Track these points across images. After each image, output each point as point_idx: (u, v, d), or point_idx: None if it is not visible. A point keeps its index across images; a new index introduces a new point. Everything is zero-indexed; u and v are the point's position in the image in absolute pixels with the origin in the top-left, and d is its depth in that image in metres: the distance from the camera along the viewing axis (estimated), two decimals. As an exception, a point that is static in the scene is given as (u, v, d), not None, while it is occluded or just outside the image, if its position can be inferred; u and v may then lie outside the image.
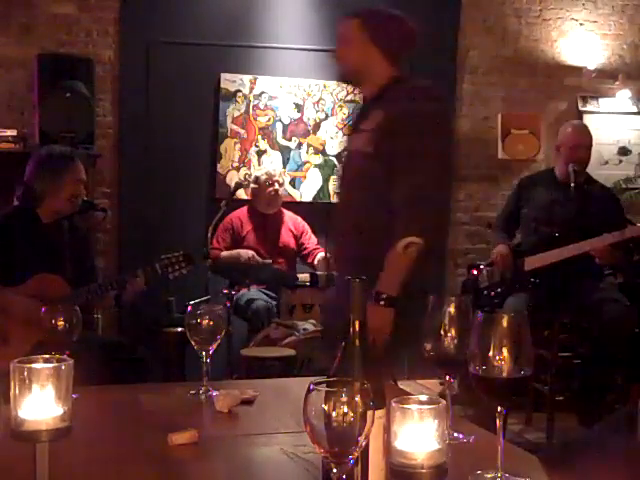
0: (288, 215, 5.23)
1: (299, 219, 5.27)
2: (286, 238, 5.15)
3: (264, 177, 5.11)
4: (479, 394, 1.30)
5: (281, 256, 5.08)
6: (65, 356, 1.25)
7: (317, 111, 5.64)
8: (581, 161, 4.25)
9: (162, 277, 3.37)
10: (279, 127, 5.60)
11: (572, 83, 6.09)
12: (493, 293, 4.28)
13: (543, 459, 1.30)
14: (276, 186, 5.12)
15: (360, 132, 2.52)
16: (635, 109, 6.14)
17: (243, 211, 5.15)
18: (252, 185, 5.17)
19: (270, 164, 5.51)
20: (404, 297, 2.31)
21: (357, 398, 1.00)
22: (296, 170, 5.63)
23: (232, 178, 5.46)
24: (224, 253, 4.96)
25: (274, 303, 4.75)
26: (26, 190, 3.32)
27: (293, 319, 4.46)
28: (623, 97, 6.09)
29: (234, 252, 4.96)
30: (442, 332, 1.49)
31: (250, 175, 5.39)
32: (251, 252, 4.93)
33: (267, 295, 4.82)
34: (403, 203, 2.33)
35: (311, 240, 5.23)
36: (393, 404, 1.09)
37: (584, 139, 4.31)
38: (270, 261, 4.92)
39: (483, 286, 4.35)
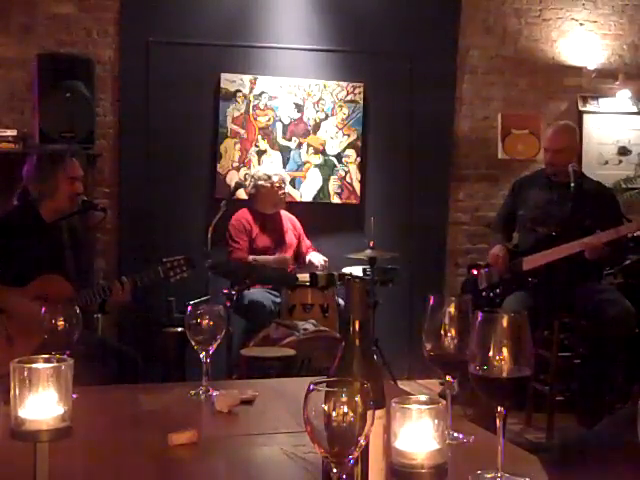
0: (284, 214, 5.22)
1: (294, 218, 5.26)
2: (290, 237, 5.14)
3: (277, 177, 5.05)
4: (479, 394, 1.30)
5: (288, 255, 5.08)
6: (65, 356, 1.25)
7: (317, 111, 5.64)
8: (559, 163, 4.23)
9: (164, 281, 3.40)
10: (279, 127, 5.60)
11: (572, 83, 6.09)
12: (492, 293, 4.28)
13: (543, 459, 1.30)
14: (286, 188, 5.13)
15: None
16: (635, 109, 6.15)
17: (246, 213, 5.06)
18: (263, 183, 5.02)
19: (270, 164, 5.50)
20: None
21: (357, 398, 0.99)
22: (296, 170, 5.62)
23: (232, 178, 5.45)
24: (252, 257, 4.86)
25: (277, 301, 4.74)
26: (23, 192, 3.35)
27: (293, 319, 4.45)
28: (623, 97, 6.09)
29: (270, 259, 4.88)
30: (442, 332, 1.49)
31: (250, 175, 5.35)
32: (288, 256, 4.95)
33: (271, 295, 4.80)
34: None
35: (305, 241, 5.23)
36: (393, 404, 1.09)
37: (561, 142, 4.28)
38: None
39: (482, 287, 4.35)
